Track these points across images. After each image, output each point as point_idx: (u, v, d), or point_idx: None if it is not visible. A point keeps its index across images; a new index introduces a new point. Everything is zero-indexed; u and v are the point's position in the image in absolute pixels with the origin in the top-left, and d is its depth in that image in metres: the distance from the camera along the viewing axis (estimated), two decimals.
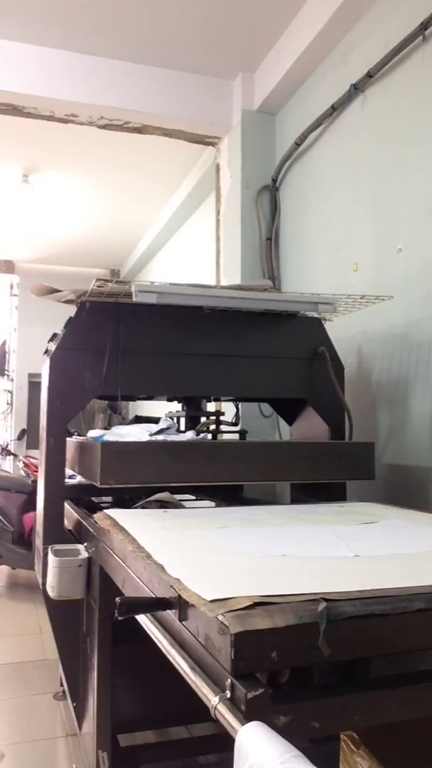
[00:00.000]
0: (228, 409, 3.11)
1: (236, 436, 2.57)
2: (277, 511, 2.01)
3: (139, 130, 3.80)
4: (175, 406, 2.67)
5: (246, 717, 0.80)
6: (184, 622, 1.04)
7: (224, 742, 0.87)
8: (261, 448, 2.23)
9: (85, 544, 1.98)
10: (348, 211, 2.95)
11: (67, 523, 2.25)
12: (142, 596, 1.23)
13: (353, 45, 2.93)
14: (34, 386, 7.74)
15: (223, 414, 2.67)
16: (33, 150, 4.89)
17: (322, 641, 0.88)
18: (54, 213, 6.34)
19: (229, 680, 0.85)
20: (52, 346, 2.19)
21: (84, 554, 1.94)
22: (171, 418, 2.46)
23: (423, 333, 2.41)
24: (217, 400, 3.05)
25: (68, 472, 2.32)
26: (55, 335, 2.23)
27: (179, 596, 1.02)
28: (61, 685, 2.81)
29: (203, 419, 2.53)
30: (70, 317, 2.20)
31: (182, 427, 2.49)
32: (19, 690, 3.04)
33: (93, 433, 2.48)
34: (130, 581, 1.38)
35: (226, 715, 0.82)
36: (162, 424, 2.28)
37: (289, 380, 2.40)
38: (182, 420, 2.53)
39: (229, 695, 0.85)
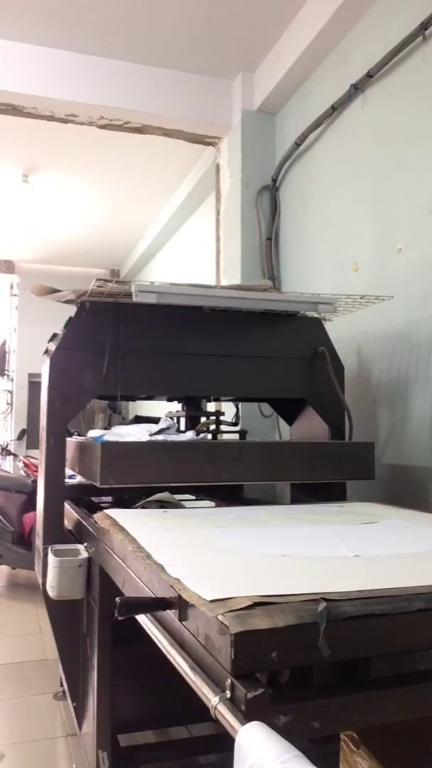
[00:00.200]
0: (228, 409, 3.11)
1: (236, 436, 2.57)
2: (277, 511, 2.01)
3: (139, 130, 3.81)
4: (175, 406, 2.67)
5: (246, 717, 0.80)
6: (184, 622, 1.04)
7: (224, 742, 0.87)
8: (261, 448, 2.23)
9: (85, 544, 1.98)
10: (348, 211, 2.95)
11: (67, 523, 2.25)
12: (142, 596, 1.23)
13: (353, 45, 2.93)
14: (34, 386, 7.74)
15: (223, 414, 2.67)
16: (33, 150, 4.89)
17: (322, 641, 0.88)
18: (54, 213, 6.34)
19: (229, 680, 0.85)
20: (52, 346, 2.19)
21: (84, 554, 1.94)
22: (171, 418, 2.46)
23: (423, 333, 2.41)
24: (217, 400, 3.05)
25: (68, 472, 2.32)
26: (55, 335, 2.23)
27: (179, 596, 1.02)
28: (61, 685, 2.81)
29: (203, 419, 2.53)
30: (70, 317, 2.20)
31: (182, 427, 2.49)
32: (19, 690, 3.04)
33: (93, 433, 2.48)
34: (130, 581, 1.38)
35: (226, 715, 0.82)
36: (162, 424, 2.28)
37: (289, 380, 2.40)
38: (182, 420, 2.53)
39: (229, 695, 0.85)
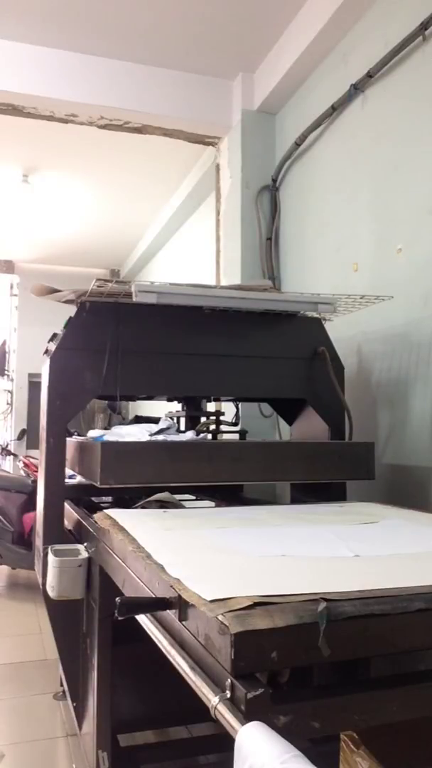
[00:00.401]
0: (228, 409, 3.11)
1: (236, 436, 2.57)
2: (277, 511, 2.01)
3: (139, 130, 3.81)
4: (175, 406, 2.67)
5: (246, 717, 0.80)
6: (184, 622, 1.04)
7: (224, 742, 0.87)
8: (261, 448, 2.23)
9: (85, 544, 1.98)
10: (348, 211, 2.95)
11: (67, 523, 2.25)
12: (142, 596, 1.23)
13: (353, 45, 2.93)
14: (34, 386, 7.74)
15: (223, 414, 2.67)
16: (33, 150, 4.89)
17: (322, 641, 0.88)
18: (54, 213, 6.34)
19: (229, 680, 0.85)
20: (52, 346, 2.19)
21: (84, 554, 1.94)
22: (171, 418, 2.46)
23: (423, 333, 2.41)
24: (217, 400, 3.05)
25: (68, 472, 2.32)
26: (55, 335, 2.23)
27: (179, 596, 1.02)
28: (61, 685, 2.81)
29: (203, 419, 2.53)
30: (70, 317, 2.20)
31: (182, 427, 2.49)
32: (19, 690, 3.04)
33: (93, 433, 2.48)
34: (130, 581, 1.38)
35: (226, 715, 0.82)
36: (162, 424, 2.28)
37: (289, 380, 2.40)
38: (182, 420, 2.53)
39: (229, 695, 0.85)
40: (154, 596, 1.17)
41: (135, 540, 1.41)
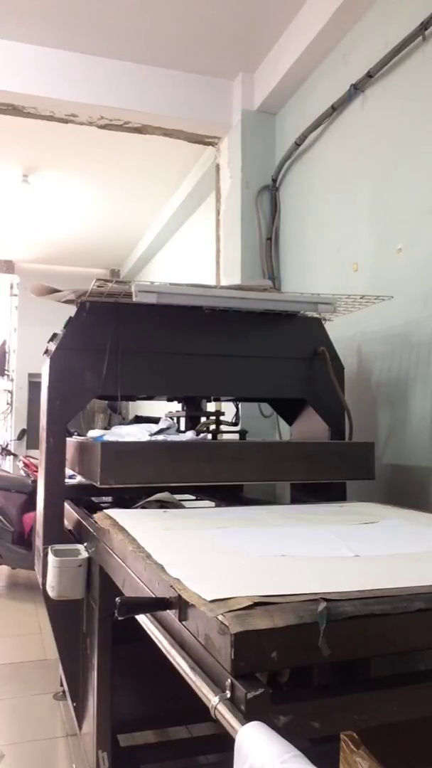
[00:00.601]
0: (228, 409, 3.11)
1: (236, 436, 2.57)
2: (277, 511, 2.01)
3: (139, 130, 3.81)
4: (175, 406, 2.67)
5: (246, 717, 0.80)
6: (184, 622, 1.04)
7: (224, 742, 0.87)
8: (261, 448, 2.23)
9: (85, 544, 1.98)
10: (348, 211, 2.95)
11: (67, 523, 2.25)
12: (142, 596, 1.23)
13: (353, 45, 2.93)
14: (34, 386, 7.74)
15: (223, 414, 2.67)
16: (33, 150, 4.89)
17: (322, 641, 0.88)
18: (54, 213, 6.34)
19: (229, 680, 0.85)
20: (52, 346, 2.19)
21: (84, 554, 1.94)
22: (171, 418, 2.46)
23: (423, 333, 2.41)
24: (217, 400, 3.05)
25: (68, 472, 2.32)
26: (55, 335, 2.23)
27: (179, 596, 1.02)
28: (61, 685, 2.81)
29: (203, 419, 2.53)
30: (70, 317, 2.20)
31: (182, 427, 2.49)
32: (19, 690, 3.04)
33: (93, 433, 2.48)
34: (130, 581, 1.38)
35: (226, 715, 0.82)
36: (162, 424, 2.28)
37: (289, 380, 2.40)
38: (182, 420, 2.53)
39: (229, 695, 0.85)
40: (154, 596, 1.17)
41: (135, 540, 1.41)
